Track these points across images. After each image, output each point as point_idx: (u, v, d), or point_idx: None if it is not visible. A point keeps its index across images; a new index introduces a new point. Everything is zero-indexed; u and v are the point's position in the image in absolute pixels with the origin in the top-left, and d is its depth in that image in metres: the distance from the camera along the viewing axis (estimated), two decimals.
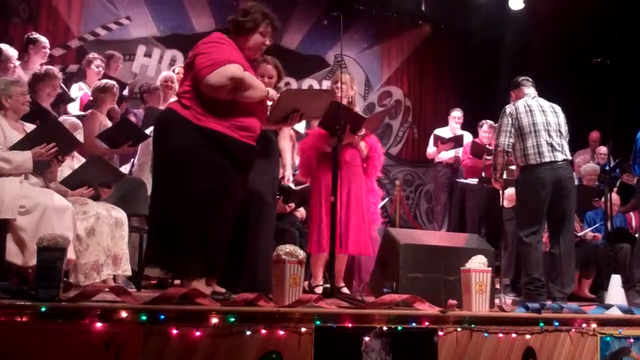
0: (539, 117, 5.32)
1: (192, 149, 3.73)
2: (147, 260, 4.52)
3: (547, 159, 5.23)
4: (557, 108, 5.47)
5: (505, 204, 7.21)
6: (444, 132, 8.95)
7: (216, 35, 3.91)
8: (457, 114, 8.99)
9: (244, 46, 3.94)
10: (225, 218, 3.84)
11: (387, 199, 8.82)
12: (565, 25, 9.70)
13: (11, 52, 5.97)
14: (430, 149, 8.95)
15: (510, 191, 6.36)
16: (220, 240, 3.81)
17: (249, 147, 3.89)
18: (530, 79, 5.59)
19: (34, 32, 6.68)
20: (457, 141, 8.68)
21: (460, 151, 8.78)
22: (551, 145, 5.25)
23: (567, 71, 9.24)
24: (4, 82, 4.66)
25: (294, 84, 9.26)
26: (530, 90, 5.50)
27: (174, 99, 6.76)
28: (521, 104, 5.39)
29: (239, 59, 3.82)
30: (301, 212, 6.22)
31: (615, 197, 7.29)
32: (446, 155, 8.80)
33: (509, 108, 5.44)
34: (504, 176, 6.66)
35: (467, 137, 8.87)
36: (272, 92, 4.02)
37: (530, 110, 5.34)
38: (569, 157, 5.35)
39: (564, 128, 5.41)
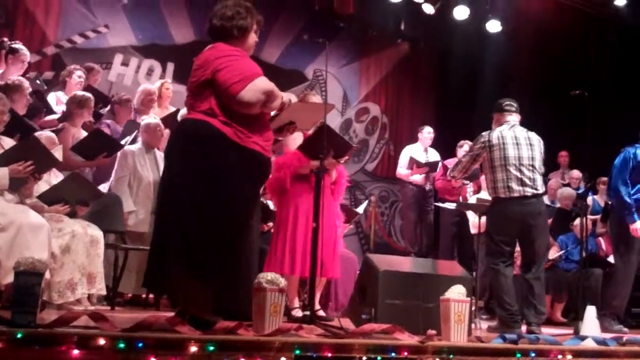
0: (511, 151, 5.28)
1: (238, 172, 3.61)
2: (160, 289, 4.15)
3: (516, 194, 5.22)
4: (535, 139, 5.41)
5: (473, 231, 7.31)
6: (415, 150, 8.96)
7: (224, 47, 3.73)
8: (428, 131, 9.03)
9: (246, 50, 3.82)
10: (258, 246, 3.81)
11: (366, 202, 8.83)
12: (542, 47, 9.83)
13: None
14: (402, 170, 8.94)
15: (475, 219, 6.43)
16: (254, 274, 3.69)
17: (270, 162, 3.84)
18: (515, 104, 5.51)
19: (15, 41, 6.53)
20: (432, 167, 8.70)
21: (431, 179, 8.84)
22: (521, 180, 5.23)
23: (544, 93, 9.35)
24: None
25: None
26: (512, 117, 5.45)
27: (154, 113, 6.83)
28: (495, 135, 5.35)
29: (259, 69, 3.72)
30: None
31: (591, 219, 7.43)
32: (418, 176, 8.83)
33: (483, 137, 5.40)
34: (473, 200, 6.76)
35: (436, 156, 8.91)
36: (285, 96, 3.89)
37: (504, 144, 5.30)
38: (540, 191, 5.31)
39: (539, 162, 5.35)
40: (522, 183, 5.23)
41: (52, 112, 6.31)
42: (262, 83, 3.66)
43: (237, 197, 3.63)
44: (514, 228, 5.24)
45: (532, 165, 5.29)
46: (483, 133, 5.45)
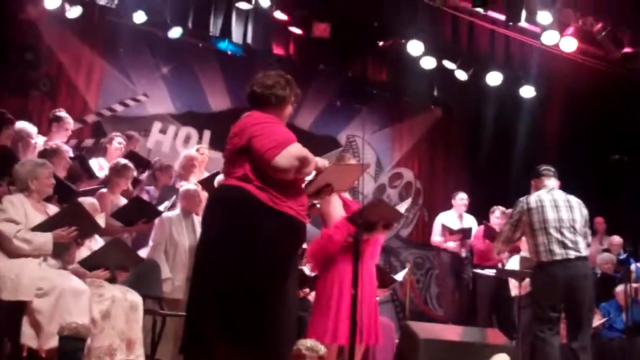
0: (550, 214, 5.24)
1: (274, 238, 3.62)
2: (197, 355, 3.98)
3: (558, 257, 5.14)
4: (574, 201, 5.36)
5: (514, 292, 7.21)
6: (449, 217, 8.89)
7: (259, 115, 3.80)
8: (462, 197, 8.97)
9: (281, 120, 3.87)
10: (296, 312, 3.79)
11: (405, 269, 8.71)
12: (576, 112, 9.81)
13: (30, 128, 6.02)
14: (436, 237, 8.84)
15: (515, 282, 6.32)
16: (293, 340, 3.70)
17: (305, 227, 3.85)
18: (553, 169, 5.50)
19: (60, 110, 6.72)
20: (465, 233, 8.62)
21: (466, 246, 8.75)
22: (562, 242, 5.16)
23: (578, 159, 9.29)
24: (31, 164, 4.71)
25: None
26: (550, 182, 5.43)
27: (194, 179, 6.92)
28: (533, 199, 5.33)
29: (293, 135, 3.77)
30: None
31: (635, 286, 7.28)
32: (452, 243, 8.75)
33: (521, 202, 5.38)
34: (517, 267, 6.65)
35: (472, 222, 8.85)
36: (320, 162, 3.92)
37: (542, 206, 5.27)
38: (584, 254, 5.22)
39: (580, 224, 5.28)
40: (564, 246, 5.16)
41: (94, 176, 6.42)
42: (296, 149, 3.71)
43: (273, 262, 3.63)
44: (559, 292, 5.13)
45: (574, 227, 5.22)
46: (521, 198, 5.43)
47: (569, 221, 5.23)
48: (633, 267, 7.27)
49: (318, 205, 5.06)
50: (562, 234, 5.19)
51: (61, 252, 4.58)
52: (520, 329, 6.05)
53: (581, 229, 5.29)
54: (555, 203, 5.28)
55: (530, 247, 5.34)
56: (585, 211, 5.38)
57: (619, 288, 7.38)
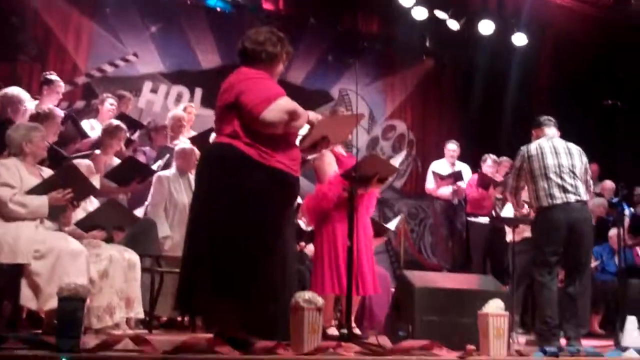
0: (550, 160, 5.31)
1: (263, 193, 3.64)
2: (192, 311, 4.25)
3: (558, 201, 5.21)
4: (574, 149, 5.43)
5: (509, 237, 7.29)
6: (441, 165, 8.97)
7: (248, 70, 3.80)
8: (452, 147, 9.03)
9: (272, 75, 3.87)
10: (293, 265, 3.83)
11: (398, 217, 8.80)
12: (568, 60, 9.78)
13: (22, 95, 5.99)
14: (430, 185, 8.97)
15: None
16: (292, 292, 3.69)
17: (298, 181, 3.87)
18: (553, 120, 5.57)
19: (51, 73, 6.68)
20: (456, 177, 8.69)
21: (461, 184, 8.81)
22: (563, 187, 5.23)
23: (572, 107, 9.29)
24: (25, 128, 4.71)
25: None
26: (550, 131, 5.49)
27: (184, 137, 6.94)
28: (533, 146, 5.40)
29: (281, 89, 3.77)
30: (311, 251, 6.21)
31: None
32: (445, 190, 8.82)
33: (522, 150, 5.45)
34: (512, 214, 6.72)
35: (466, 170, 8.91)
36: (312, 115, 3.93)
37: (542, 153, 5.34)
38: (584, 198, 5.30)
39: (580, 169, 5.36)
40: (565, 190, 5.23)
41: (86, 136, 6.43)
42: (285, 103, 3.71)
43: (263, 217, 3.65)
44: (560, 236, 5.19)
45: (573, 172, 5.29)
46: (522, 147, 5.50)
47: (568, 167, 5.31)
48: (627, 212, 7.34)
49: (310, 157, 5.08)
50: (562, 178, 5.26)
51: (57, 215, 4.61)
52: (515, 275, 6.14)
53: (581, 175, 5.36)
54: (555, 150, 5.36)
55: (530, 193, 5.40)
56: (585, 159, 5.45)
57: (613, 232, 7.47)
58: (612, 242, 7.56)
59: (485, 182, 8.15)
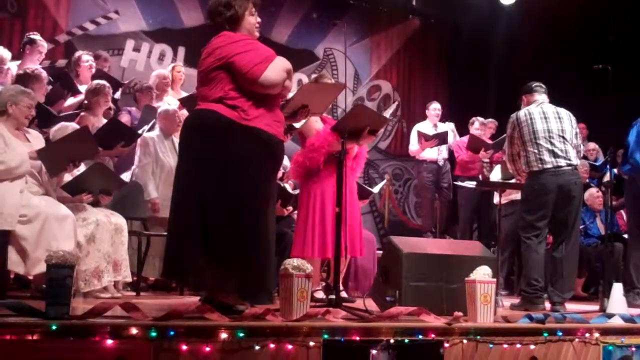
0: (539, 125, 5.34)
1: (247, 154, 3.65)
2: (180, 277, 4.22)
3: (549, 165, 5.26)
4: (564, 113, 5.46)
5: (496, 199, 7.33)
6: (425, 126, 8.97)
7: (232, 34, 3.77)
8: (435, 106, 9.02)
9: (250, 34, 3.85)
10: (274, 229, 3.83)
11: (382, 182, 8.82)
12: (556, 21, 9.69)
13: (5, 54, 5.87)
14: (413, 147, 8.95)
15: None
16: (273, 257, 3.77)
17: (283, 144, 3.88)
18: (544, 86, 5.58)
19: (34, 33, 6.57)
20: (441, 138, 8.68)
21: (443, 149, 8.80)
22: (553, 151, 5.27)
23: (558, 69, 9.25)
24: (15, 90, 4.64)
25: None
26: (540, 97, 5.51)
27: (170, 97, 6.86)
28: (522, 113, 5.42)
29: (272, 50, 3.78)
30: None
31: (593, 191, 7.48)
32: (430, 153, 8.82)
33: (512, 118, 5.48)
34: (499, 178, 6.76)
35: (451, 128, 8.90)
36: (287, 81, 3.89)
37: (531, 119, 5.36)
38: (574, 162, 5.34)
39: (570, 133, 5.39)
40: (555, 154, 5.28)
41: (78, 91, 6.34)
42: (282, 62, 3.75)
43: (250, 179, 3.66)
44: (549, 200, 5.25)
45: (563, 137, 5.34)
46: (512, 115, 5.51)
47: (558, 131, 5.34)
48: (608, 174, 7.37)
49: (298, 125, 5.03)
50: (552, 143, 5.30)
51: (58, 173, 4.62)
52: (501, 238, 6.19)
53: (571, 139, 5.39)
54: (545, 115, 5.39)
55: (522, 159, 5.44)
56: (574, 123, 5.50)
57: (587, 193, 7.47)
58: (589, 203, 7.59)
59: (475, 144, 8.15)
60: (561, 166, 5.26)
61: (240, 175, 3.64)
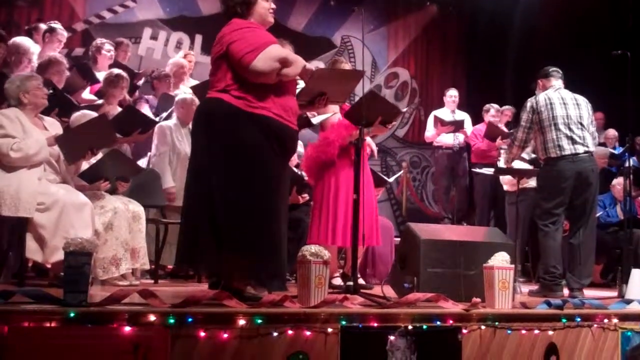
0: (559, 111, 5.30)
1: (252, 140, 3.66)
2: (195, 265, 4.25)
3: (567, 152, 5.22)
4: (581, 100, 5.43)
5: (506, 187, 7.32)
6: (442, 113, 8.94)
7: (239, 21, 3.78)
8: (453, 93, 8.98)
9: (261, 21, 3.84)
10: (286, 216, 3.83)
11: (399, 173, 8.79)
12: (574, 8, 9.58)
13: (33, 48, 5.90)
14: (429, 132, 8.94)
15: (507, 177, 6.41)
16: (284, 243, 3.77)
17: (295, 133, 3.86)
18: (560, 71, 5.55)
19: (55, 22, 6.63)
20: (457, 125, 8.66)
21: (460, 137, 8.76)
22: (571, 138, 5.24)
23: (576, 55, 9.15)
24: (19, 79, 4.64)
25: None
26: (557, 82, 5.48)
27: (186, 86, 6.86)
28: (542, 97, 5.38)
29: (272, 38, 3.76)
30: None
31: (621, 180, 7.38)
32: (446, 138, 8.78)
33: (530, 102, 5.43)
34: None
35: (467, 120, 8.85)
36: (308, 65, 3.87)
37: (551, 104, 5.32)
38: (591, 149, 5.31)
39: (587, 120, 5.36)
40: (573, 141, 5.24)
41: (97, 80, 6.36)
42: (275, 50, 3.70)
43: (253, 164, 3.67)
44: (567, 186, 5.21)
45: (581, 124, 5.32)
46: (529, 99, 5.46)
47: (576, 117, 5.31)
48: (629, 162, 7.29)
49: (315, 122, 4.99)
50: (570, 129, 5.27)
51: (76, 160, 4.64)
52: (518, 224, 6.15)
53: (588, 126, 5.35)
54: (563, 101, 5.37)
55: (538, 145, 5.41)
56: (591, 110, 5.49)
57: (616, 181, 7.45)
58: (614, 191, 7.55)
59: (493, 132, 8.09)
60: (579, 153, 5.23)
61: (246, 160, 3.65)
